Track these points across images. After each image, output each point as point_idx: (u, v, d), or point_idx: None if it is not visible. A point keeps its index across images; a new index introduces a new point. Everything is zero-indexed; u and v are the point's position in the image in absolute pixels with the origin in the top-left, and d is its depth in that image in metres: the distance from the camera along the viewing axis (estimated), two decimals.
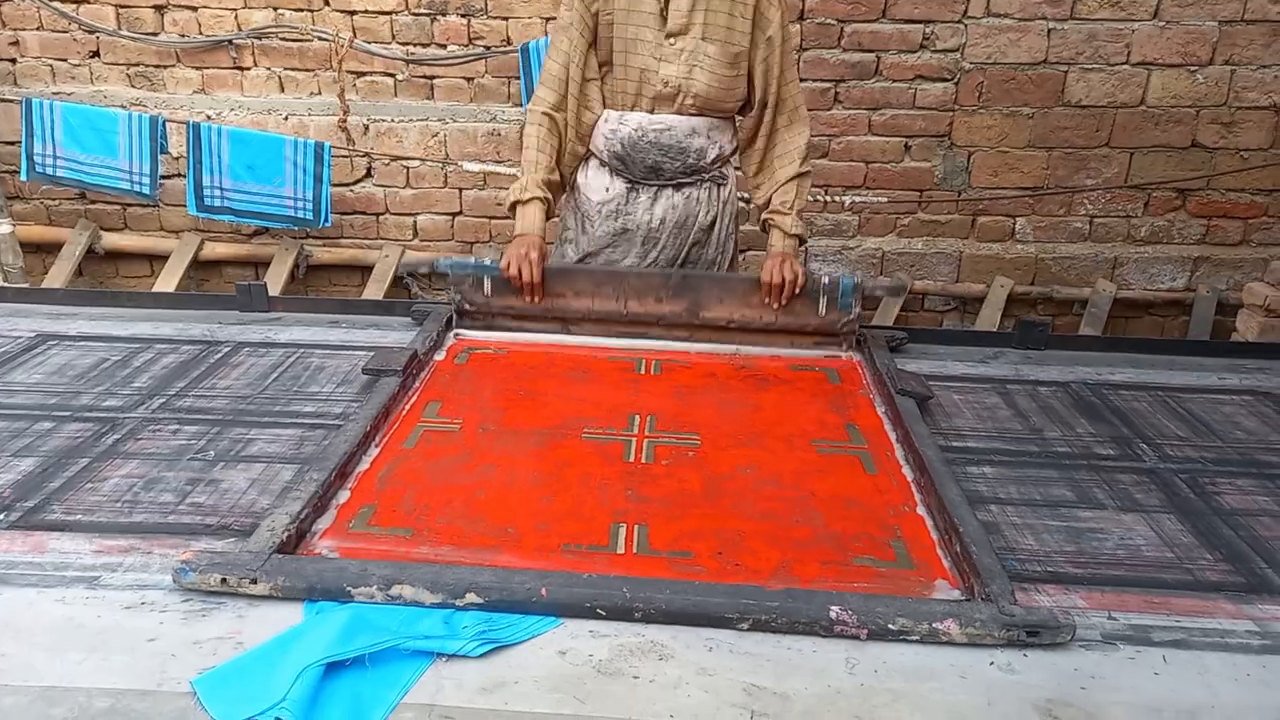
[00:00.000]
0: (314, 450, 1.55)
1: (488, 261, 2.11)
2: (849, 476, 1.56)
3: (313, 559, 1.25)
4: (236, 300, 2.21)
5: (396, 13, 3.51)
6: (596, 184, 2.20)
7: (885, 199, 3.63)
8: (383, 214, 3.77)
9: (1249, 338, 3.27)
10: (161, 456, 1.53)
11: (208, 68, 3.61)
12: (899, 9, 3.38)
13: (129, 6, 3.53)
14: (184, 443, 1.58)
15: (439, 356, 1.96)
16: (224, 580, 1.18)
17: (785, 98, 2.14)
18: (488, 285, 2.08)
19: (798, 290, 2.03)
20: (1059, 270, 3.67)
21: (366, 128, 3.65)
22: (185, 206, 3.59)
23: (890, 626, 1.15)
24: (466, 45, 3.54)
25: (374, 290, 3.61)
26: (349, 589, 1.18)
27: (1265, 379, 2.02)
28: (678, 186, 2.20)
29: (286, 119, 3.64)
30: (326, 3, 3.51)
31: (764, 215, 2.20)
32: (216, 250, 3.77)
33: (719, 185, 2.24)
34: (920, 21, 3.40)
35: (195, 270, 3.76)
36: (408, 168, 3.69)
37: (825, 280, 2.04)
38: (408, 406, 1.73)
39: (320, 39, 3.52)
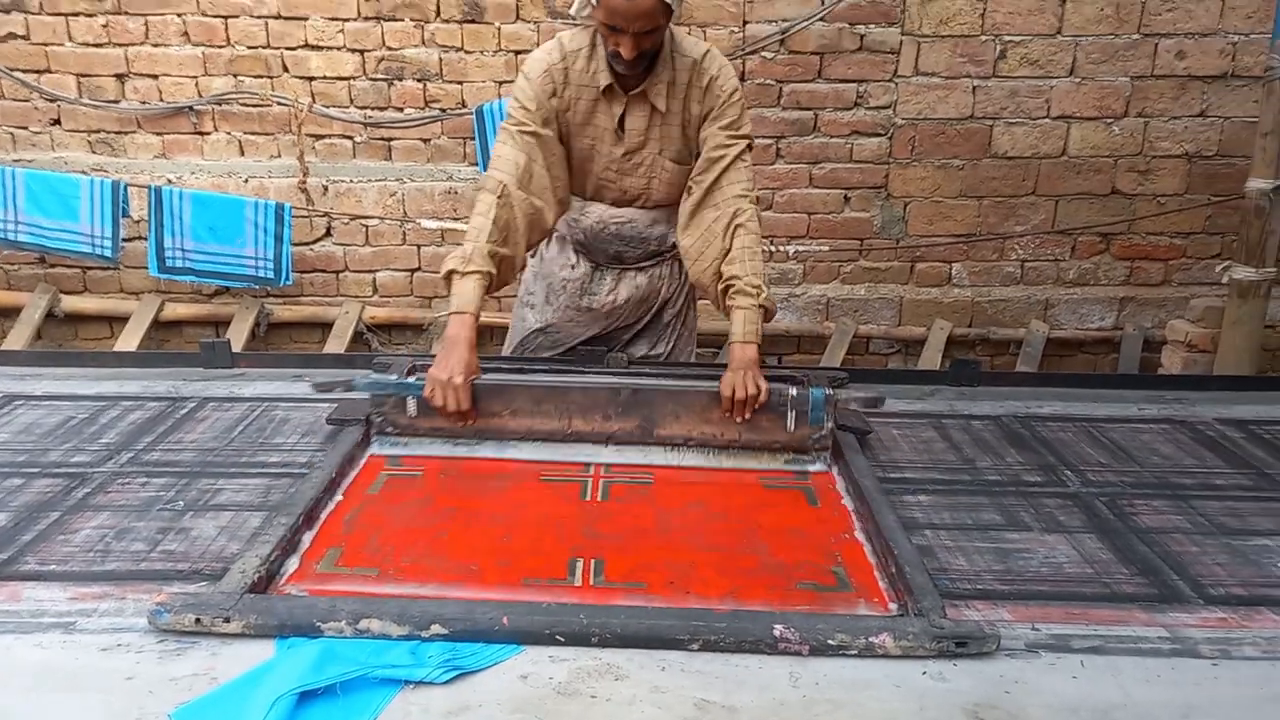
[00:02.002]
0: (281, 498, 1.61)
1: (411, 380, 1.86)
2: (792, 510, 1.64)
3: (283, 597, 1.30)
4: (201, 357, 2.25)
5: (354, 78, 3.63)
6: (562, 260, 2.23)
7: (827, 248, 3.79)
8: (342, 271, 3.85)
9: (1173, 372, 3.45)
10: (131, 508, 1.57)
11: (168, 133, 3.69)
12: (833, 70, 3.58)
13: (91, 75, 3.62)
14: (153, 494, 1.61)
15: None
16: (198, 620, 1.22)
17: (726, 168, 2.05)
18: (411, 406, 1.85)
19: (758, 406, 1.82)
20: (994, 312, 3.85)
21: (326, 188, 3.74)
22: (146, 268, 3.64)
23: (830, 642, 1.22)
24: (423, 108, 3.66)
25: (335, 345, 3.68)
26: (319, 624, 1.22)
27: (1181, 408, 2.15)
28: (640, 269, 2.25)
29: (247, 181, 3.73)
30: (286, 69, 3.62)
31: (723, 285, 1.99)
32: (177, 311, 3.81)
33: (671, 261, 2.27)
34: (854, 81, 3.60)
35: (156, 331, 3.80)
36: (366, 226, 3.79)
37: (794, 393, 1.84)
38: (368, 455, 1.78)
39: (280, 104, 3.63)
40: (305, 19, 3.56)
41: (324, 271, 3.84)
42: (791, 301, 3.85)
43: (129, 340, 3.68)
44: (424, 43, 3.59)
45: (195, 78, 3.63)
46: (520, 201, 1.96)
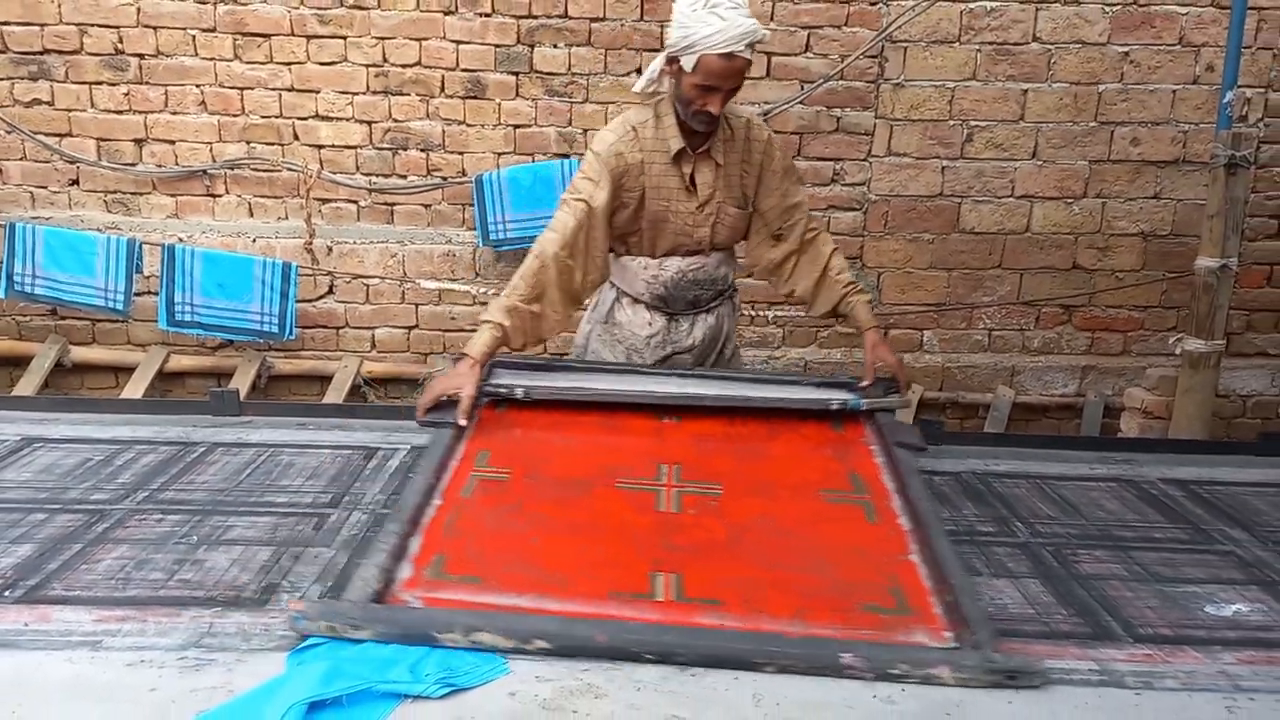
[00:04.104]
0: (288, 534, 1.73)
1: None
2: (854, 526, 1.71)
3: (404, 609, 1.41)
4: (210, 405, 2.37)
5: (361, 147, 3.83)
6: (639, 320, 2.46)
7: (806, 313, 3.96)
8: (343, 327, 4.00)
9: (1131, 435, 3.61)
10: (149, 541, 1.68)
11: (181, 194, 3.88)
12: (812, 149, 3.80)
13: (110, 140, 3.81)
14: (168, 530, 1.73)
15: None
16: (331, 627, 1.33)
17: (803, 203, 2.47)
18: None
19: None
20: (963, 378, 4.02)
21: (330, 249, 3.91)
22: (154, 321, 3.79)
23: (892, 671, 1.31)
24: (425, 176, 3.86)
25: (333, 397, 3.81)
26: (436, 635, 1.33)
27: (1129, 468, 2.28)
28: (709, 310, 2.51)
29: (255, 241, 3.90)
30: (296, 137, 3.83)
31: (839, 291, 2.43)
32: (182, 362, 3.95)
33: (732, 297, 2.59)
34: (831, 159, 3.82)
35: (160, 381, 3.93)
36: (368, 285, 3.96)
37: (834, 406, 2.14)
38: (460, 456, 1.88)
39: (289, 170, 3.82)
40: (317, 91, 3.78)
41: (325, 327, 4.00)
42: (771, 363, 4.02)
43: (134, 390, 3.81)
44: (428, 116, 3.80)
45: (210, 143, 3.82)
46: (560, 264, 2.22)
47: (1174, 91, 3.77)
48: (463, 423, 2.01)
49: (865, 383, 2.28)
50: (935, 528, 1.64)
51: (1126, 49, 3.73)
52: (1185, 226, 3.82)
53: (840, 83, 3.74)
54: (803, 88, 3.73)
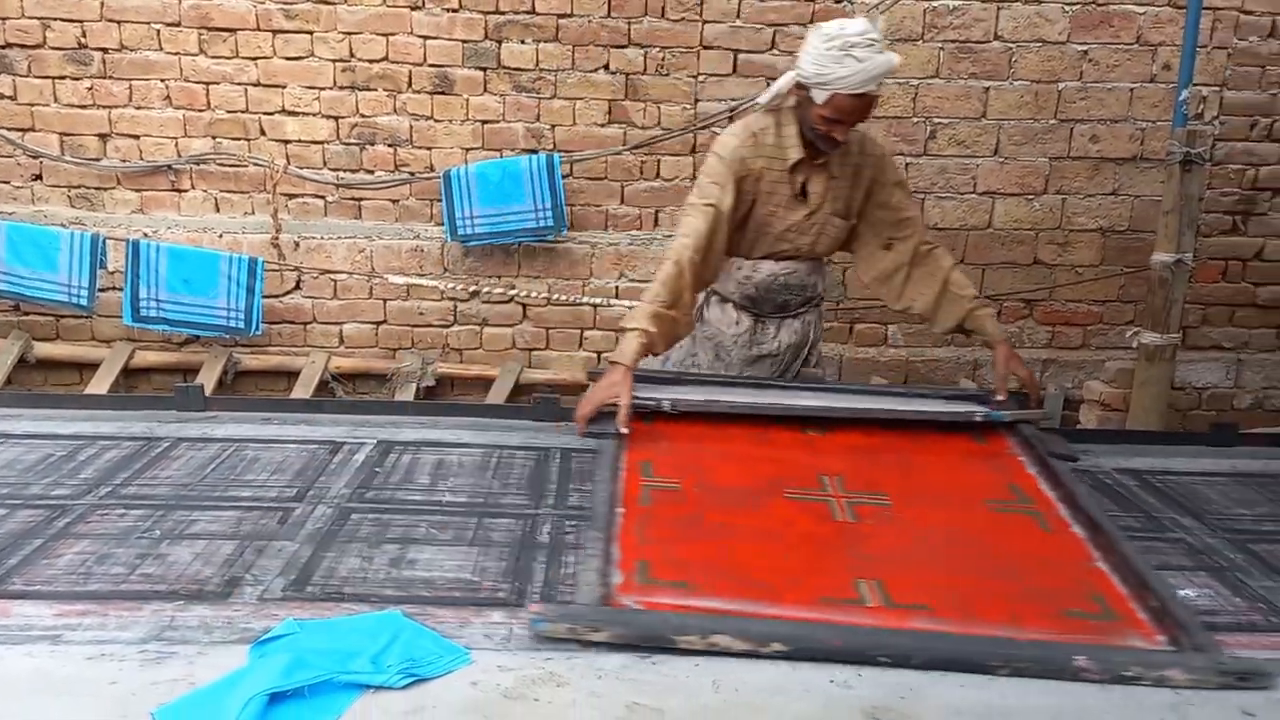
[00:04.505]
0: (252, 528, 1.74)
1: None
2: (1031, 535, 1.74)
3: (640, 612, 1.43)
4: (174, 401, 2.37)
5: (328, 142, 3.83)
6: (727, 319, 2.51)
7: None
8: (310, 323, 4.00)
9: (1089, 427, 3.69)
10: (111, 536, 1.68)
11: (146, 189, 3.85)
12: None
13: (74, 134, 3.78)
14: (131, 524, 1.73)
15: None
16: (571, 629, 1.36)
17: (916, 217, 2.51)
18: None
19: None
20: (927, 371, 4.08)
21: (297, 244, 3.91)
22: (119, 317, 3.76)
23: (1125, 673, 1.33)
24: (393, 171, 3.86)
25: (300, 393, 3.80)
26: (673, 638, 1.35)
27: (1086, 460, 2.27)
28: (796, 315, 2.55)
29: (221, 236, 3.89)
30: (263, 132, 3.81)
31: (965, 306, 2.43)
32: (147, 358, 3.93)
33: (819, 305, 2.62)
34: None
35: (125, 378, 3.90)
36: (335, 280, 3.95)
37: (978, 418, 2.18)
38: (626, 466, 1.90)
39: (256, 165, 3.81)
40: (283, 87, 3.77)
41: (292, 323, 3.99)
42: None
43: (99, 386, 3.79)
44: (395, 111, 3.80)
45: (175, 138, 3.81)
46: (693, 267, 2.26)
47: (1132, 90, 3.85)
48: (624, 431, 2.04)
49: (999, 396, 2.29)
50: (1118, 536, 1.66)
51: (1085, 48, 3.80)
52: (1142, 222, 3.90)
53: None
54: (768, 84, 3.75)
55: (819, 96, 2.17)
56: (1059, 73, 3.81)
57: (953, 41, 3.78)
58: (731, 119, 3.81)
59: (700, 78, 3.79)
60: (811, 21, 3.73)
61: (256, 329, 3.79)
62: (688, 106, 3.81)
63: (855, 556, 1.64)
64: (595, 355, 4.05)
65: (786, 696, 1.30)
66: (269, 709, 1.23)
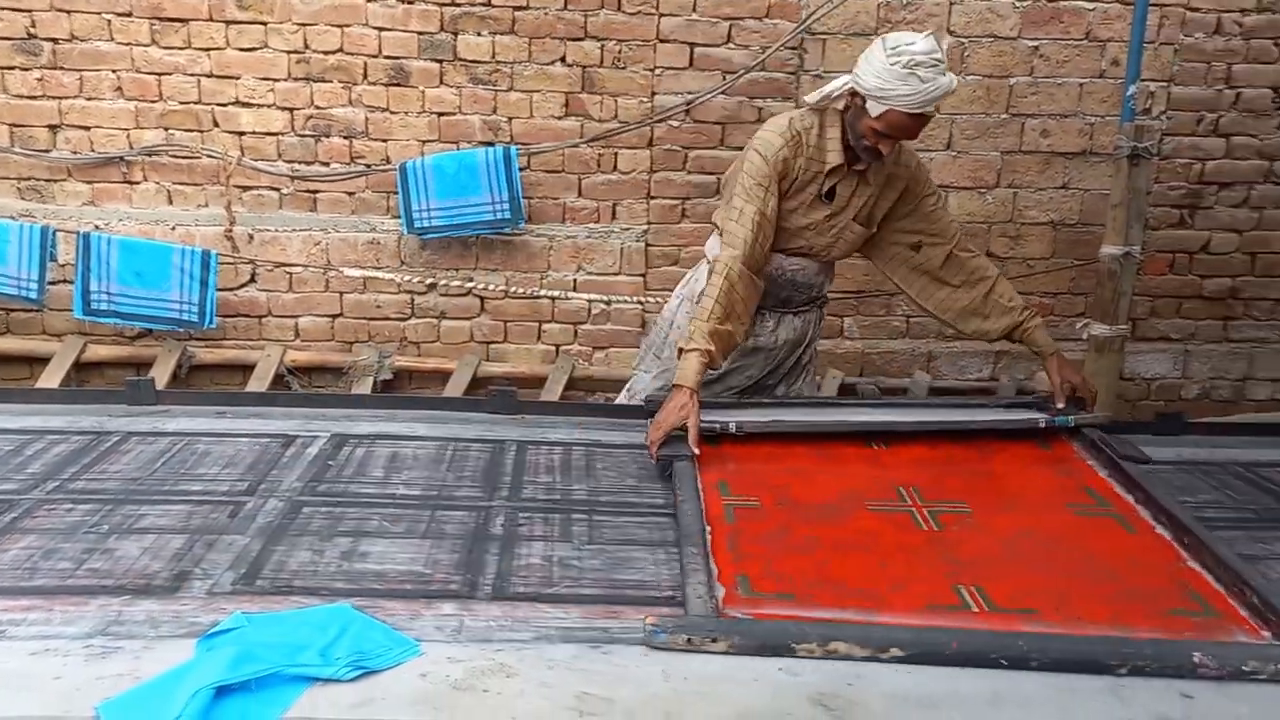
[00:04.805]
0: (202, 522, 1.74)
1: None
2: (1116, 537, 1.76)
3: (756, 621, 1.44)
4: (125, 395, 2.35)
5: (283, 134, 3.79)
6: None
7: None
8: (265, 316, 3.96)
9: None
10: (58, 531, 1.68)
11: (98, 181, 3.79)
12: (735, 139, 3.85)
13: (23, 126, 3.71)
14: (78, 519, 1.73)
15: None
16: (689, 640, 1.37)
17: (950, 229, 2.50)
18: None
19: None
20: (882, 363, 4.13)
21: (251, 236, 3.87)
22: (70, 311, 3.70)
23: (1244, 668, 1.34)
24: (348, 163, 3.83)
25: (255, 386, 3.76)
26: (793, 645, 1.37)
27: None
28: (797, 313, 2.55)
29: (174, 229, 3.83)
30: (216, 124, 3.77)
31: (1014, 318, 2.44)
32: (99, 352, 3.86)
33: (821, 306, 2.64)
34: None
35: (77, 372, 3.84)
36: (290, 273, 3.92)
37: (1042, 424, 2.21)
38: (703, 487, 1.90)
39: (209, 157, 3.76)
40: (237, 78, 3.72)
41: (247, 316, 3.95)
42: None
43: (50, 380, 3.72)
44: (351, 103, 3.77)
45: (127, 130, 3.74)
46: (743, 277, 2.25)
47: (1081, 85, 3.91)
48: (696, 451, 2.03)
49: (1059, 404, 2.31)
50: (1207, 536, 1.69)
51: (1036, 43, 3.86)
52: (1092, 216, 3.97)
53: (761, 73, 3.80)
54: (725, 78, 3.79)
55: (874, 109, 2.16)
56: (1010, 68, 3.86)
57: None
58: (688, 113, 3.83)
59: (657, 71, 3.80)
60: (766, 16, 3.76)
61: (210, 322, 3.75)
62: (644, 100, 3.82)
63: (950, 563, 1.65)
64: (554, 348, 4.06)
65: (735, 685, 1.32)
66: (215, 702, 1.23)
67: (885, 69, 2.12)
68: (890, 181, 2.40)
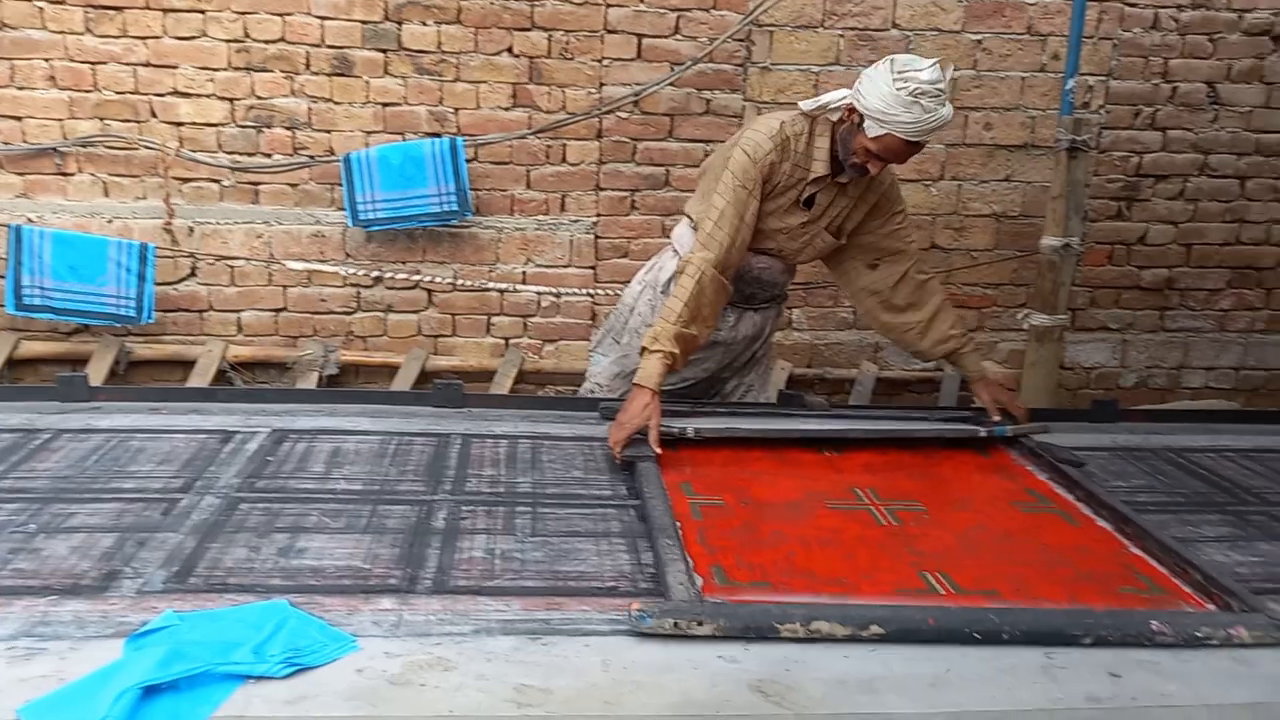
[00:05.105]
0: (134, 520, 1.70)
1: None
2: (1062, 529, 1.86)
3: (740, 604, 1.47)
4: (56, 391, 2.30)
5: (223, 125, 3.70)
6: None
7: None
8: (206, 311, 3.87)
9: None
10: None
11: (30, 173, 3.67)
12: (683, 130, 3.86)
13: None
14: (4, 519, 1.69)
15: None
16: (675, 624, 1.38)
17: (909, 249, 2.53)
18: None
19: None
20: (830, 354, 4.16)
21: (191, 230, 3.78)
22: (1, 306, 3.60)
23: (1196, 634, 1.42)
24: (291, 154, 3.76)
25: (197, 383, 3.68)
26: (777, 625, 1.39)
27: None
28: (758, 309, 2.56)
29: (111, 222, 3.73)
30: (154, 114, 3.67)
31: (951, 345, 2.51)
32: (33, 349, 3.75)
33: (781, 302, 2.66)
34: (702, 141, 3.87)
35: (9, 369, 3.73)
36: (232, 267, 3.84)
37: (982, 433, 2.32)
38: (666, 486, 1.93)
39: (147, 148, 3.67)
40: (175, 67, 3.63)
41: (188, 310, 3.86)
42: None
43: None
44: (293, 93, 3.70)
45: (60, 120, 3.63)
46: (713, 281, 2.25)
47: (1023, 79, 3.98)
48: (658, 451, 2.06)
49: (995, 418, 2.38)
50: (1148, 525, 1.79)
51: (979, 37, 3.92)
52: (1034, 208, 4.03)
53: (709, 65, 3.80)
54: (673, 70, 3.78)
55: (872, 130, 2.15)
56: (954, 61, 3.90)
57: (852, 29, 3.85)
58: (636, 104, 3.82)
59: (605, 62, 3.78)
60: (714, 7, 3.77)
61: (149, 317, 3.66)
62: (593, 91, 3.81)
63: (913, 553, 1.73)
64: (503, 341, 4.03)
65: (675, 674, 1.32)
66: (142, 702, 1.21)
67: (890, 94, 2.10)
68: (865, 196, 2.43)
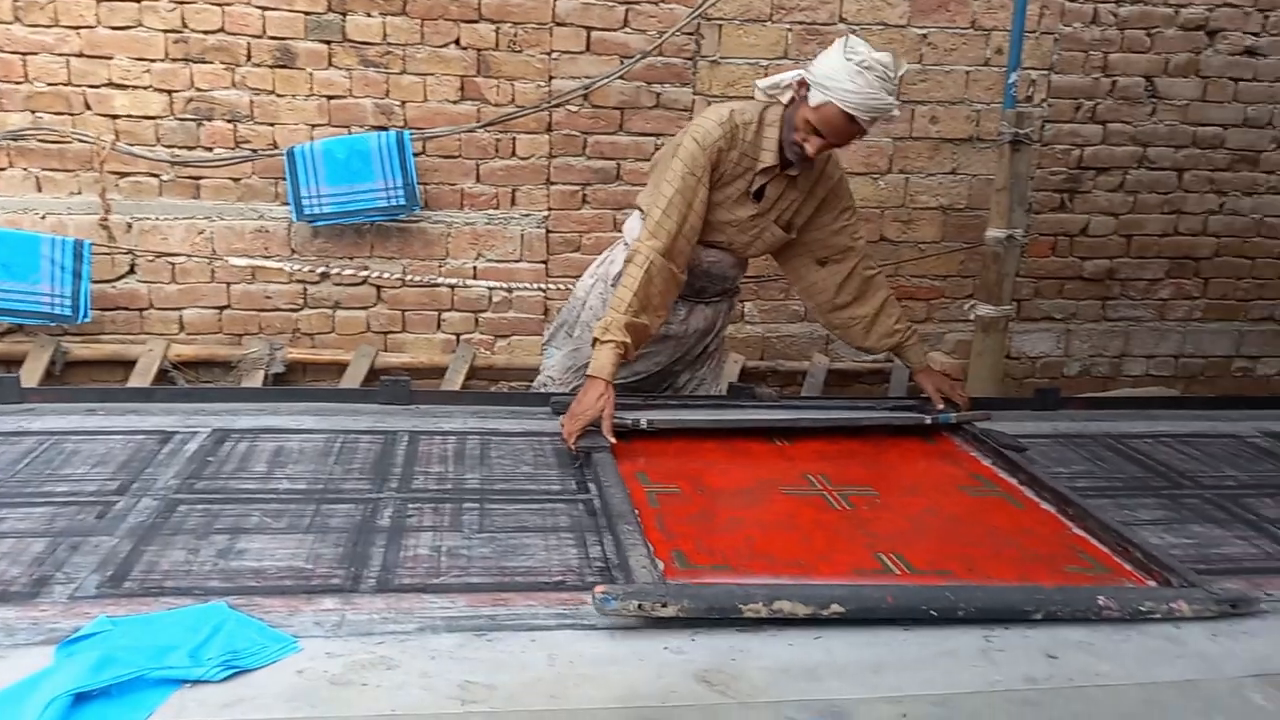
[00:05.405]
0: (67, 524, 1.65)
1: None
2: (1007, 512, 1.91)
3: (704, 585, 1.48)
4: None
5: (161, 117, 3.62)
6: None
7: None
8: (146, 309, 3.78)
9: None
10: None
11: None
12: (633, 124, 3.86)
13: None
14: None
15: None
16: (640, 605, 1.38)
17: (857, 245, 2.53)
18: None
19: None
20: (782, 347, 4.19)
21: (130, 225, 3.69)
22: None
23: (1140, 609, 1.47)
24: (233, 148, 3.69)
25: (137, 383, 3.60)
26: (740, 606, 1.40)
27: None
28: (709, 303, 2.56)
29: (44, 218, 3.63)
30: (88, 107, 3.58)
31: (896, 339, 2.54)
32: None
33: (733, 296, 2.66)
34: (652, 134, 3.87)
35: None
36: (173, 264, 3.75)
37: (928, 421, 2.37)
38: (624, 476, 1.92)
39: (81, 141, 3.58)
40: (110, 58, 3.54)
41: (127, 309, 3.77)
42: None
43: None
44: (234, 85, 3.63)
45: None
46: (661, 270, 2.25)
47: (968, 73, 4.03)
48: (611, 440, 2.06)
49: (939, 407, 2.43)
50: (1088, 507, 1.84)
51: (924, 31, 3.96)
52: (979, 200, 4.09)
53: (659, 59, 3.80)
54: (622, 63, 3.77)
55: (815, 99, 2.16)
56: (900, 55, 3.93)
57: (800, 23, 3.87)
58: (586, 97, 3.81)
59: (554, 55, 3.76)
60: (663, 1, 3.76)
61: (85, 316, 3.57)
62: (542, 84, 3.78)
63: (867, 535, 1.76)
64: (454, 337, 3.99)
65: (620, 666, 1.32)
66: (73, 709, 1.17)
67: (839, 63, 2.14)
68: (814, 190, 2.44)
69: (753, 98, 2.42)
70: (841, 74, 2.13)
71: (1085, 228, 4.31)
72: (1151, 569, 1.62)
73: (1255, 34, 4.16)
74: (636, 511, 1.75)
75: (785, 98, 2.30)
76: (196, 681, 1.24)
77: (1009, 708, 1.27)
